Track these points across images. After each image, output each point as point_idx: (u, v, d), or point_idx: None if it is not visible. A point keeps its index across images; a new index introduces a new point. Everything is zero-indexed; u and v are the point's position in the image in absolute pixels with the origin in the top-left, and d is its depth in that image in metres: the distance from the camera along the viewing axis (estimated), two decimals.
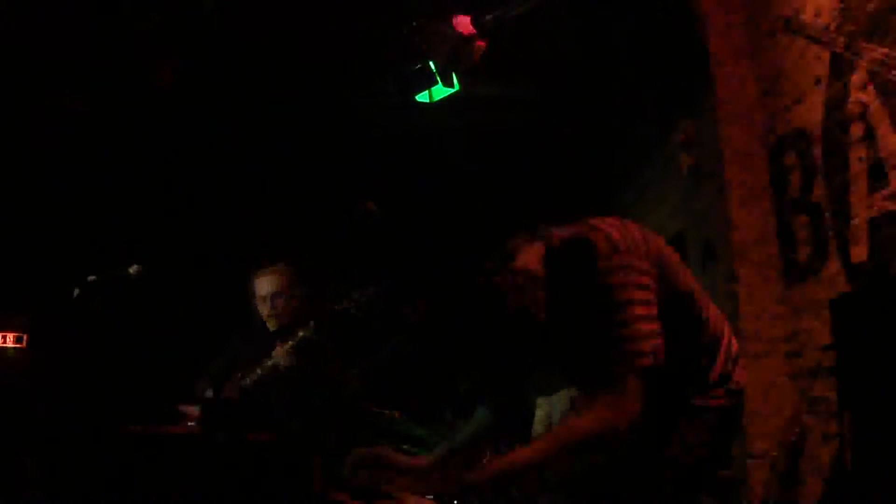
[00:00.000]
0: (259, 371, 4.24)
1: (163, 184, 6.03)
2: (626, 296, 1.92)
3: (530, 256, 2.05)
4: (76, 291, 3.84)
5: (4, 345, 5.83)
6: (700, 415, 2.08)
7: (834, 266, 3.44)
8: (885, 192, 3.14)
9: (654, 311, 1.94)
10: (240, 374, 4.36)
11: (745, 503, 3.87)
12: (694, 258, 4.54)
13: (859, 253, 3.28)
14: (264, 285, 4.43)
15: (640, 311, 1.92)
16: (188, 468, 3.12)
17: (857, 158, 3.30)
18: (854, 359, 3.19)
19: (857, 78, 3.31)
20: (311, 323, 4.14)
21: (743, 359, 2.19)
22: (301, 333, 4.16)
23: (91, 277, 3.91)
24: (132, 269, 4.06)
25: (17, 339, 5.82)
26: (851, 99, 3.33)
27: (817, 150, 3.59)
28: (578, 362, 2.05)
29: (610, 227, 2.01)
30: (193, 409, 4.21)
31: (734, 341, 2.19)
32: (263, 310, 4.41)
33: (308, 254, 4.53)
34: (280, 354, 4.20)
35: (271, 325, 4.41)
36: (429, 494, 1.98)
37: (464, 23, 4.38)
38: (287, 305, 4.38)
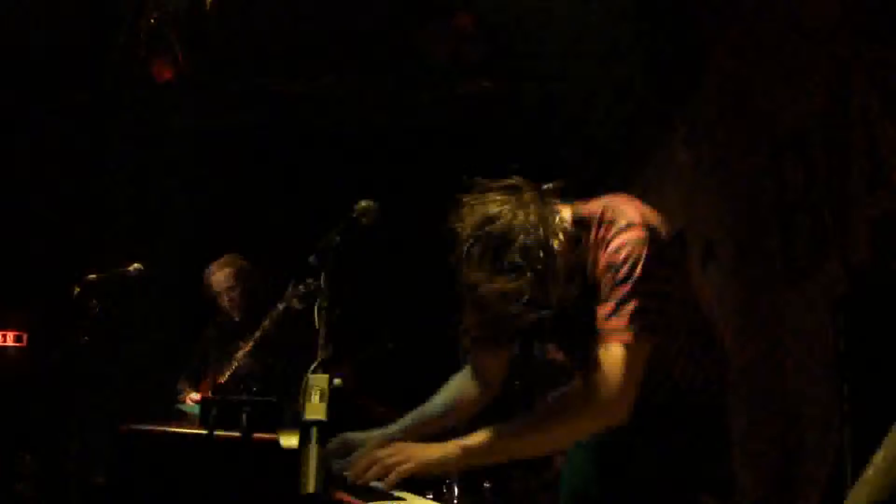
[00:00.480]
0: (227, 373, 4.34)
1: (163, 183, 6.03)
2: (645, 269, 1.92)
3: (563, 211, 2.05)
4: (76, 290, 3.85)
5: (4, 343, 5.83)
6: (699, 412, 2.08)
7: (834, 266, 3.43)
8: (885, 191, 3.13)
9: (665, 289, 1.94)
10: (212, 375, 4.42)
11: (745, 503, 3.86)
12: (694, 258, 4.54)
13: (860, 253, 3.27)
14: (218, 280, 4.56)
15: (656, 285, 1.92)
16: (188, 467, 3.12)
17: (858, 158, 3.29)
18: (855, 359, 3.18)
19: (857, 77, 3.30)
20: (265, 322, 4.25)
21: (729, 358, 2.19)
22: (257, 334, 4.26)
23: (91, 276, 3.91)
24: (132, 268, 4.07)
25: (17, 339, 5.82)
26: (852, 98, 3.33)
27: (817, 150, 3.58)
28: (582, 334, 2.02)
29: (639, 204, 2.04)
30: (191, 399, 4.29)
31: (725, 339, 2.19)
32: (223, 302, 4.53)
33: (261, 246, 4.64)
34: (241, 357, 4.31)
35: (235, 316, 4.51)
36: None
37: (465, 21, 4.38)
38: (240, 298, 4.49)
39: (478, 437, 1.97)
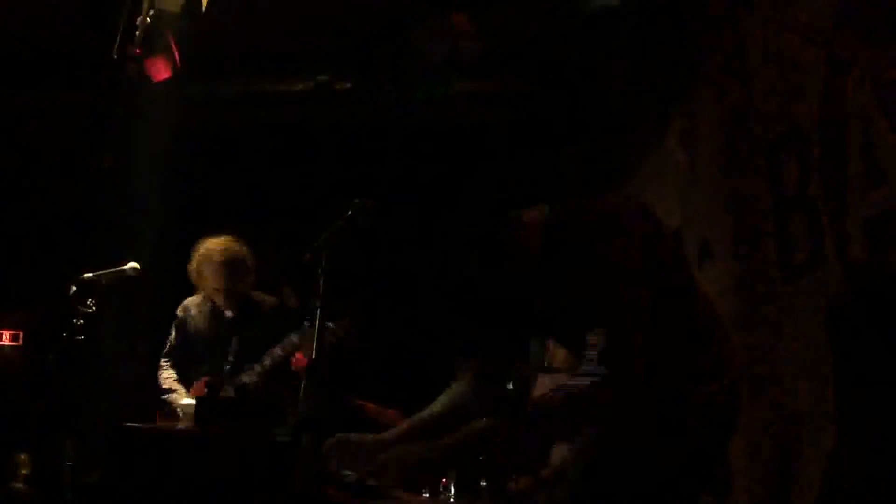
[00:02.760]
0: (231, 389, 4.18)
1: (161, 182, 6.02)
2: (625, 275, 1.93)
3: (532, 216, 2.09)
4: (72, 289, 3.84)
5: (1, 342, 5.83)
6: (698, 412, 2.08)
7: (831, 265, 3.43)
8: (882, 191, 3.13)
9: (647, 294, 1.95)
10: (206, 377, 4.28)
11: (743, 503, 3.87)
12: (691, 256, 4.54)
13: (856, 252, 3.27)
14: (219, 250, 4.32)
15: (636, 292, 1.93)
16: (183, 464, 3.12)
17: (855, 157, 3.30)
18: (851, 358, 3.18)
19: (854, 76, 3.30)
20: (278, 352, 4.10)
21: (736, 357, 2.18)
22: (267, 362, 4.10)
23: (87, 275, 3.91)
24: (128, 267, 4.06)
25: (14, 337, 5.82)
26: (849, 98, 3.33)
27: (814, 149, 3.58)
28: (570, 332, 2.03)
29: (618, 204, 2.06)
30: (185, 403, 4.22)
31: (728, 337, 2.18)
32: (212, 278, 4.29)
33: (259, 245, 4.48)
34: (250, 378, 4.15)
35: (219, 299, 4.28)
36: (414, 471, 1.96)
37: (461, 21, 4.37)
38: (241, 279, 4.29)
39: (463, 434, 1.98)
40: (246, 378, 4.17)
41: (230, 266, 4.32)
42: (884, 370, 2.93)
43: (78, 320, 3.70)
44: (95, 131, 5.73)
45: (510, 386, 4.78)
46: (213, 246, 4.36)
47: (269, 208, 6.15)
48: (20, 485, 4.91)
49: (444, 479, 3.81)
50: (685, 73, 4.67)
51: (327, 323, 3.94)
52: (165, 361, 4.47)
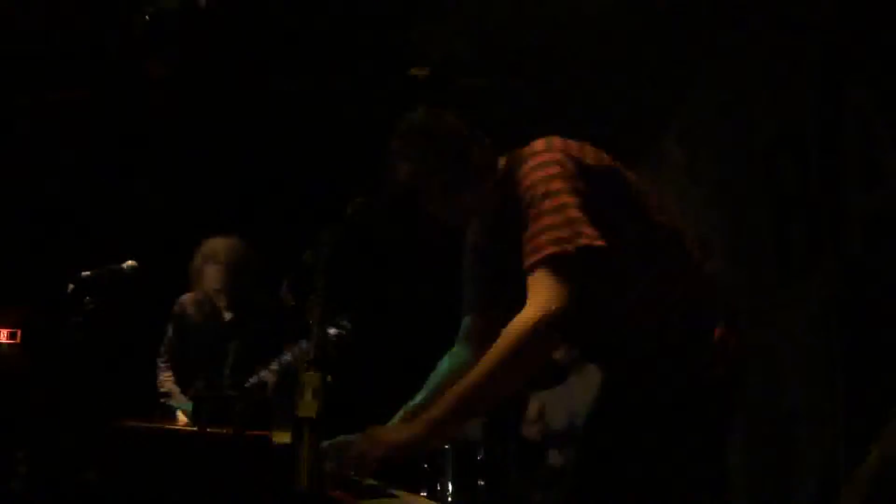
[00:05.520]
0: (242, 392, 4.07)
1: (158, 179, 6.02)
2: (555, 186, 1.92)
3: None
4: (70, 287, 3.82)
5: None
6: (694, 396, 2.03)
7: (829, 265, 3.43)
8: (881, 191, 3.13)
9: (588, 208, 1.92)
10: (205, 376, 4.20)
11: (740, 502, 3.87)
12: None
13: (855, 252, 3.27)
14: (224, 250, 4.19)
15: (570, 199, 1.91)
16: (182, 464, 3.11)
17: (853, 157, 3.30)
18: (850, 358, 3.18)
19: (851, 76, 3.30)
20: (287, 358, 4.03)
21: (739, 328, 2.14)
22: (275, 367, 4.02)
23: (85, 273, 3.89)
24: (126, 265, 4.04)
25: (11, 335, 5.82)
26: (846, 97, 3.33)
27: (813, 148, 3.58)
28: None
29: (556, 138, 2.07)
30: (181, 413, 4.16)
31: (730, 305, 2.15)
32: (214, 279, 4.20)
33: (256, 246, 4.42)
34: (268, 379, 4.04)
35: (219, 300, 4.21)
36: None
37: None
38: (243, 281, 4.20)
39: (436, 406, 1.95)
40: (264, 375, 4.05)
41: (235, 267, 4.26)
42: (883, 370, 2.93)
43: (76, 318, 3.68)
44: (93, 129, 5.72)
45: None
46: (218, 246, 4.30)
47: (269, 208, 6.15)
48: (18, 483, 4.90)
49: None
50: (684, 73, 4.67)
51: (331, 330, 3.88)
52: (164, 362, 4.41)
